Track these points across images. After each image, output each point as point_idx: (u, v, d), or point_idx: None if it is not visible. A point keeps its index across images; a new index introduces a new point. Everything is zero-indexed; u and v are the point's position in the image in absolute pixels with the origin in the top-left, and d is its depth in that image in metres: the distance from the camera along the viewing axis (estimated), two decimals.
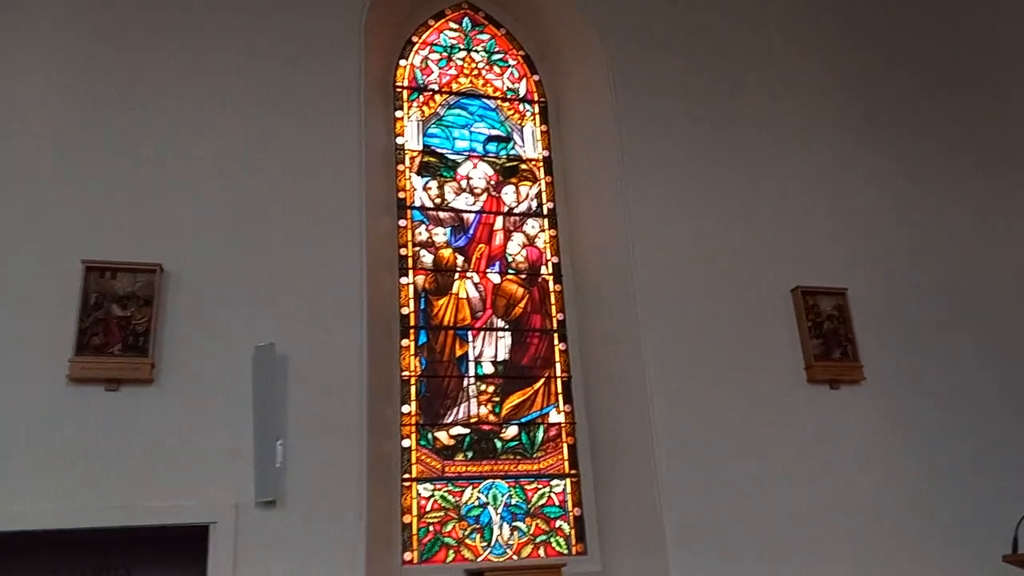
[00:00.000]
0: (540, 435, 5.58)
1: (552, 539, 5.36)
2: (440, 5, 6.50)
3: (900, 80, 6.76)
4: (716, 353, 5.45)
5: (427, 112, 6.18)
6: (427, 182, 5.99)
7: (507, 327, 5.78)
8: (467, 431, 5.46)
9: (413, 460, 5.26)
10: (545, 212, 6.18)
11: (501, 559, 5.19)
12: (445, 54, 6.40)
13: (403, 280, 5.66)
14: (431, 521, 5.17)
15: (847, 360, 5.64)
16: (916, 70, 6.84)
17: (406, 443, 5.28)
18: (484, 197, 6.08)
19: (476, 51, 6.50)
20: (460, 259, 5.86)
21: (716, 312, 5.55)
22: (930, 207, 6.37)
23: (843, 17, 6.85)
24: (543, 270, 6.01)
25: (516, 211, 6.12)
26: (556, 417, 5.65)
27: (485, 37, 6.57)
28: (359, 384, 4.79)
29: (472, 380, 5.58)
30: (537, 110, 6.46)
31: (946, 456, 5.63)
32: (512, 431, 5.55)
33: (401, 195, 5.87)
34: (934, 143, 6.61)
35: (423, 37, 6.38)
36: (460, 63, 6.41)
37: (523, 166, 6.26)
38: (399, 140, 6.01)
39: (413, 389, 5.42)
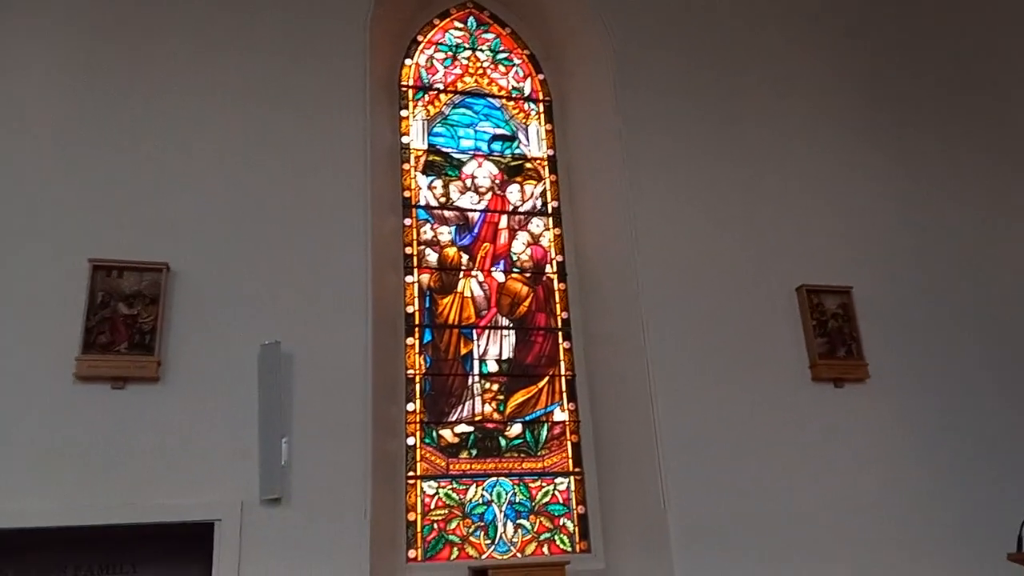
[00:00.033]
0: (544, 433, 5.60)
1: (556, 537, 5.37)
2: (445, 4, 6.52)
3: (902, 79, 6.74)
4: (720, 351, 5.45)
5: (432, 111, 6.20)
6: (432, 181, 6.00)
7: (511, 325, 5.80)
8: (471, 429, 5.47)
9: (417, 458, 5.29)
10: (550, 211, 6.18)
11: (505, 557, 5.21)
12: (450, 53, 6.41)
13: (408, 279, 5.68)
14: (435, 519, 5.19)
15: (851, 358, 5.63)
16: (918, 70, 6.83)
17: (411, 441, 5.30)
18: (489, 196, 6.10)
19: (481, 50, 6.51)
20: (465, 258, 5.87)
21: (720, 310, 5.55)
22: (933, 206, 6.35)
23: (846, 16, 6.84)
24: (547, 268, 6.02)
25: (521, 210, 6.13)
26: (560, 415, 5.66)
27: (490, 36, 6.58)
28: (364, 382, 4.80)
29: (476, 378, 5.59)
30: (542, 109, 6.46)
31: (950, 454, 5.62)
32: (516, 429, 5.56)
33: (406, 194, 5.88)
34: (936, 142, 6.60)
35: (428, 36, 6.40)
36: (465, 62, 6.42)
37: (528, 165, 6.27)
38: (404, 139, 6.03)
39: (418, 387, 5.44)
